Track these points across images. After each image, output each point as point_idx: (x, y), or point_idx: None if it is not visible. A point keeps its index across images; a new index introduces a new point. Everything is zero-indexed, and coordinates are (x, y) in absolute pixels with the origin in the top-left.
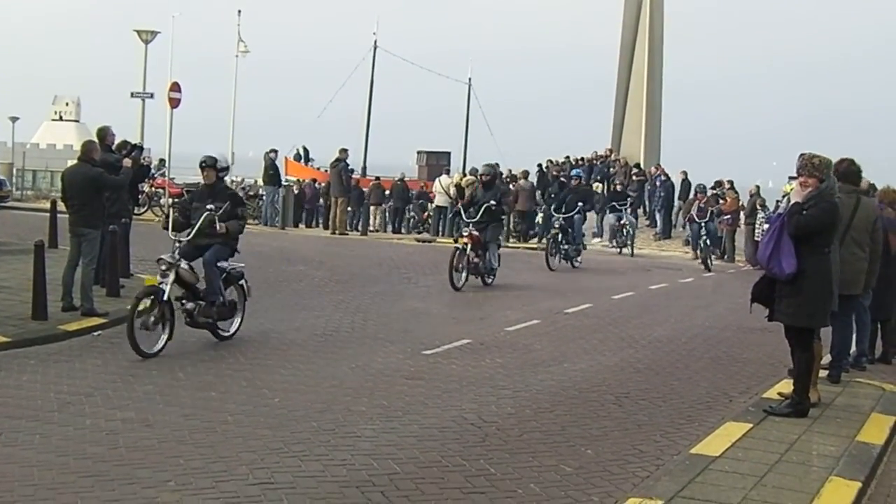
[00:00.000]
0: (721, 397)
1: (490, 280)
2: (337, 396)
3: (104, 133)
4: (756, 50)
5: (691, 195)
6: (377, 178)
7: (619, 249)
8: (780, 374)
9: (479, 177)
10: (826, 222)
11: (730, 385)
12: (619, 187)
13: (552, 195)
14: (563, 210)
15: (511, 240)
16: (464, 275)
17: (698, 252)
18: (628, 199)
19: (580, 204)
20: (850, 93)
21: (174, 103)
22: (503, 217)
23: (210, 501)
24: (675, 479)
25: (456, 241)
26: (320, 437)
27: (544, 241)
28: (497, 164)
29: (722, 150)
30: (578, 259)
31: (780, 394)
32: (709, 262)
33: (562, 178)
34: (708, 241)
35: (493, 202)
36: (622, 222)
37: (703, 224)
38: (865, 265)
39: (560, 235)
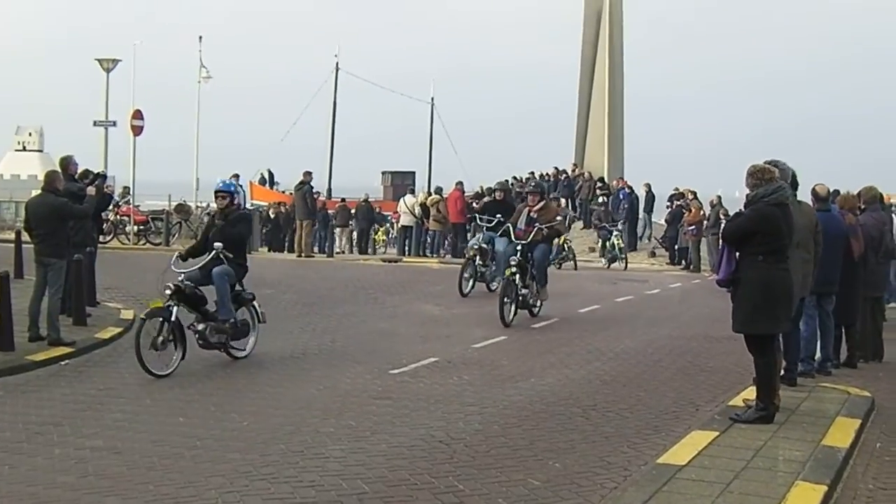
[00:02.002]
0: (687, 406)
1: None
2: (305, 418)
3: (67, 162)
4: (720, 62)
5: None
6: (343, 200)
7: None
8: (746, 381)
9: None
10: (748, 228)
11: (696, 394)
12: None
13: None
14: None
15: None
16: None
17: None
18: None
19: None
20: (822, 103)
21: (137, 131)
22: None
23: None
24: (641, 489)
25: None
26: (289, 459)
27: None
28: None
29: (690, 162)
30: (243, 348)
31: (745, 401)
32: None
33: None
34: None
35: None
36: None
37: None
38: (811, 268)
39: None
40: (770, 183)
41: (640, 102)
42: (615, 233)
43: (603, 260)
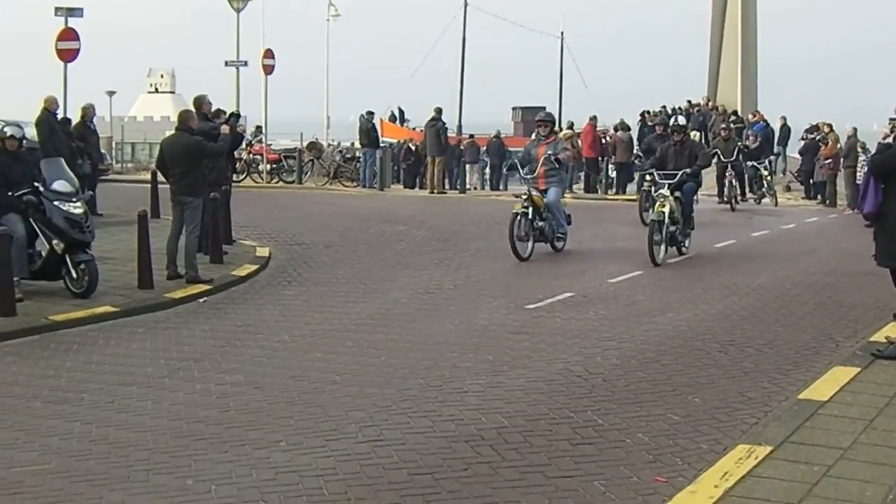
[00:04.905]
0: (827, 342)
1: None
2: (443, 353)
3: (200, 102)
4: None
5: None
6: (471, 136)
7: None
8: (886, 317)
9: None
10: None
11: (835, 330)
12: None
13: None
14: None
15: (609, 192)
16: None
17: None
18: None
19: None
20: None
21: (268, 70)
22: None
23: (321, 460)
24: (783, 425)
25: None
26: (428, 393)
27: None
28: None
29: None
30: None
31: (887, 338)
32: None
33: (657, 130)
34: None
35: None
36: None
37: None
38: None
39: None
40: None
41: (775, 34)
42: (763, 168)
43: (754, 196)
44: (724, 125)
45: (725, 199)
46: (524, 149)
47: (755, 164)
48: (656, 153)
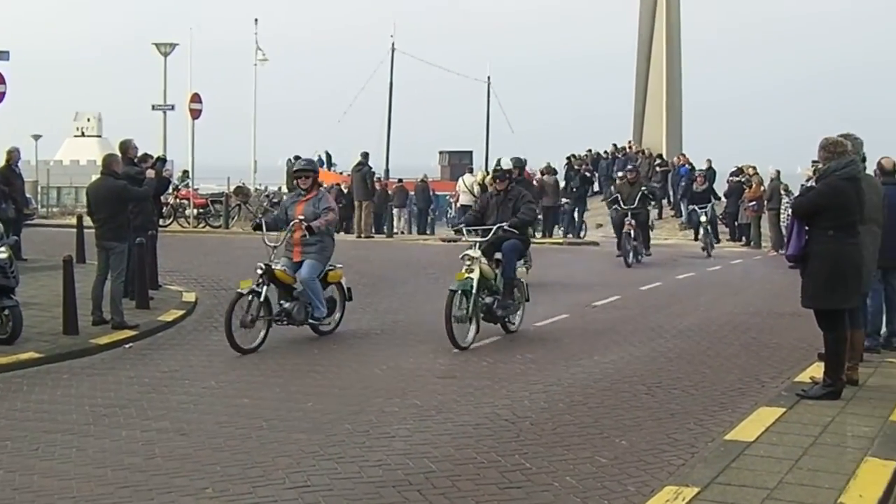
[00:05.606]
0: (753, 383)
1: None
2: (370, 398)
3: (126, 146)
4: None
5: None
6: (400, 181)
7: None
8: (811, 357)
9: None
10: (819, 203)
11: (761, 370)
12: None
13: (573, 189)
14: None
15: (536, 235)
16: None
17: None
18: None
19: None
20: None
21: (195, 114)
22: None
23: None
24: (710, 466)
25: None
26: (355, 438)
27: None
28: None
29: (751, 138)
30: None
31: (812, 378)
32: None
33: (585, 173)
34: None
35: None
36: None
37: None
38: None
39: None
40: (842, 157)
41: (700, 81)
42: (703, 215)
43: (700, 243)
44: (629, 167)
45: (622, 252)
46: (281, 205)
47: (696, 208)
48: (475, 205)
